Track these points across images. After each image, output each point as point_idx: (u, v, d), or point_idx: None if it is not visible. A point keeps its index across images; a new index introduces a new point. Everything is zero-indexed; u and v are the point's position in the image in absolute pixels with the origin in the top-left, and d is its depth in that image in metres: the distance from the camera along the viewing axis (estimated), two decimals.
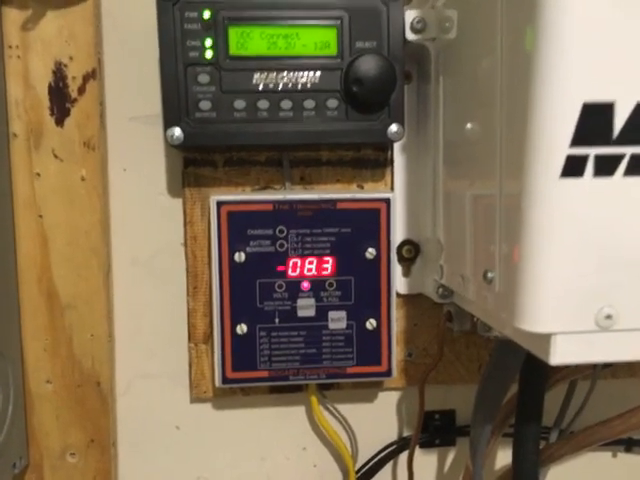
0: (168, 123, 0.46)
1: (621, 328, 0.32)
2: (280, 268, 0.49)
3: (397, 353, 0.51)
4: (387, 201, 0.49)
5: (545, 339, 0.32)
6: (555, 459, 0.46)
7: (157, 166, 0.52)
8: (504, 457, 0.56)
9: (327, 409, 0.55)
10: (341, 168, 0.52)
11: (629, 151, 0.31)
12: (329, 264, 0.49)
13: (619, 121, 0.30)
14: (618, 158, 0.31)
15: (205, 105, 0.46)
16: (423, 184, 0.50)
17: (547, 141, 0.30)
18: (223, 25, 0.45)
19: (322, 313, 0.49)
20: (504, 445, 0.51)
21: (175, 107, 0.46)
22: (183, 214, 0.51)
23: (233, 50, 0.46)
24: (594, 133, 0.30)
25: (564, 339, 0.32)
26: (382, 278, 0.50)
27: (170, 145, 0.46)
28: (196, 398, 0.53)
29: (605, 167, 0.31)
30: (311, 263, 0.49)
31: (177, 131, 0.46)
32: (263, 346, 0.49)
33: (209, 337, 0.52)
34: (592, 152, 0.30)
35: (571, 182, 0.30)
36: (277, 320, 0.49)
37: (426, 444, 0.56)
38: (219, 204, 0.48)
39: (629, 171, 0.31)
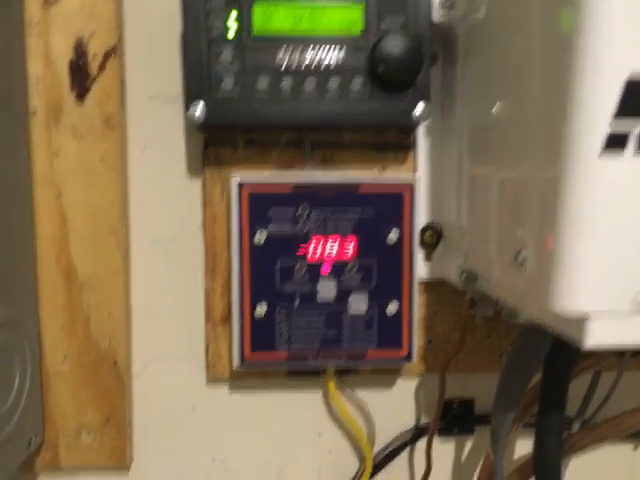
0: (189, 102, 0.45)
1: None
2: (301, 251, 0.48)
3: (417, 339, 0.50)
4: (411, 185, 0.48)
5: (579, 322, 0.31)
6: (577, 449, 0.45)
7: (177, 146, 0.51)
8: (523, 446, 0.56)
9: (344, 395, 0.54)
10: (363, 150, 0.51)
11: None
12: (350, 247, 0.49)
13: None
14: None
15: (227, 83, 0.45)
16: (447, 168, 0.49)
17: (587, 119, 0.29)
18: (248, 1, 0.44)
19: (343, 296, 0.49)
20: (523, 435, 0.51)
21: (197, 85, 0.45)
22: (202, 194, 0.51)
23: (257, 27, 0.45)
24: (637, 109, 0.29)
25: (599, 322, 0.31)
26: (404, 262, 0.49)
27: (191, 124, 0.46)
28: (213, 379, 0.53)
29: None
30: (332, 246, 0.48)
31: (199, 110, 0.45)
32: (282, 328, 0.49)
33: (227, 318, 0.51)
34: (634, 130, 0.29)
35: (612, 160, 0.29)
36: (297, 302, 0.49)
37: (444, 432, 0.56)
38: (240, 185, 0.48)
39: None
